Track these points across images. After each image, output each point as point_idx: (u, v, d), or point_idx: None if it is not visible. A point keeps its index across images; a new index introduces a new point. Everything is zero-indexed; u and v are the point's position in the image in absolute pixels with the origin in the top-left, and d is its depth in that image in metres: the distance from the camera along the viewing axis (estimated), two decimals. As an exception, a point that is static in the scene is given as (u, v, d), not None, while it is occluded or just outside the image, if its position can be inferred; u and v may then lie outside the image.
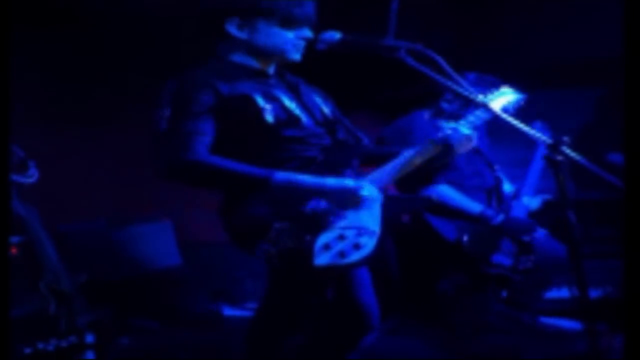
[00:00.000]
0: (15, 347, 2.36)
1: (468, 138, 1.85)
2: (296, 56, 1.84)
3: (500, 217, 2.68)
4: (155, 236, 3.46)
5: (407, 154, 1.83)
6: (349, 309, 1.79)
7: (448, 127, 1.81)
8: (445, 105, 2.83)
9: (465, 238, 2.65)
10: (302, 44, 1.83)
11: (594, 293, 3.13)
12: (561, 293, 3.18)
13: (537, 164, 2.87)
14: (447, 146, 1.83)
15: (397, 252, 3.16)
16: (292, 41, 1.82)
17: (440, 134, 1.84)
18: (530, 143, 2.91)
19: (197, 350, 2.96)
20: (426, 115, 2.88)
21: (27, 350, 2.38)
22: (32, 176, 2.49)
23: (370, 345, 2.80)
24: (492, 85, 2.63)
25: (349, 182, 1.69)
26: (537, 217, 2.87)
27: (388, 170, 1.81)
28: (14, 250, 2.54)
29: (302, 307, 1.89)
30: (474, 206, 2.72)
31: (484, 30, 3.83)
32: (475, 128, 1.88)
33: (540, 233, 2.79)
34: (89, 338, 2.53)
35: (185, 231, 3.58)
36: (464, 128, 1.84)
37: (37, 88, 3.41)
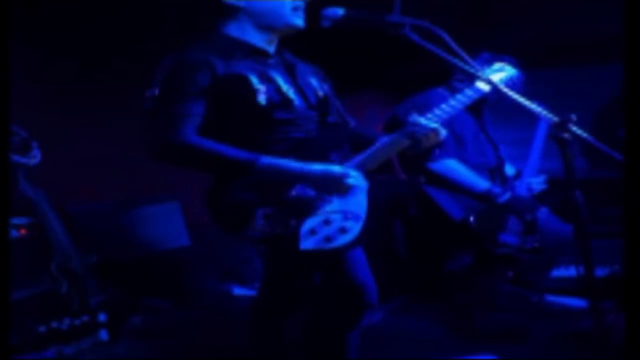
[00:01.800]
0: (30, 326, 2.40)
1: (434, 131, 1.80)
2: (298, 21, 1.79)
3: (507, 195, 2.67)
4: (163, 217, 3.47)
5: (382, 141, 1.80)
6: (346, 289, 1.80)
7: (416, 119, 1.78)
8: (457, 84, 2.80)
9: (472, 217, 2.64)
10: (301, 5, 1.79)
11: (601, 272, 3.13)
12: (568, 272, 3.18)
13: (539, 144, 2.86)
14: (413, 140, 1.80)
15: (404, 232, 3.17)
16: (290, 3, 1.78)
17: (407, 128, 1.79)
18: (532, 123, 2.89)
19: (208, 329, 3.00)
20: (441, 92, 2.84)
21: (42, 329, 2.42)
22: (35, 157, 2.47)
23: (377, 324, 2.83)
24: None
25: (335, 169, 1.68)
26: (543, 197, 2.86)
27: (368, 155, 1.78)
28: (23, 232, 2.57)
29: (296, 289, 1.90)
30: (482, 183, 2.69)
31: (496, 5, 3.76)
32: (448, 118, 1.85)
33: (542, 211, 2.78)
34: (102, 317, 2.57)
35: (193, 212, 3.59)
36: (431, 122, 1.80)
37: (47, 69, 3.40)
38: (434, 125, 1.80)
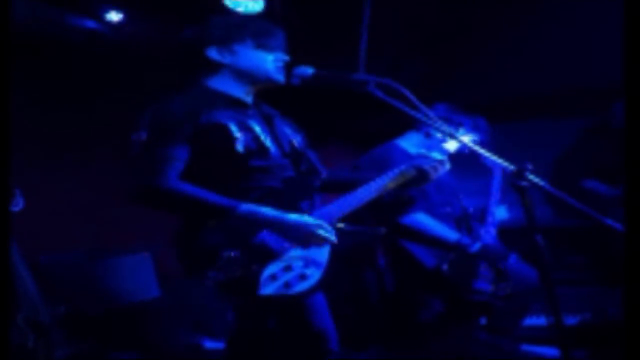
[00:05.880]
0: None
1: (441, 162, 1.94)
2: (279, 77, 1.89)
3: (477, 245, 2.71)
4: (134, 268, 3.44)
5: (375, 183, 1.89)
6: (304, 335, 1.82)
7: (419, 153, 1.89)
8: (433, 131, 2.87)
9: (444, 265, 2.67)
10: (281, 65, 1.89)
11: (571, 320, 3.15)
12: (539, 320, 3.20)
13: (496, 192, 2.96)
14: (421, 172, 1.91)
15: (376, 282, 3.17)
16: (271, 63, 1.88)
17: (413, 162, 1.92)
18: (486, 172, 3.00)
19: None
20: (397, 145, 2.92)
21: (6, 385, 2.33)
22: (17, 204, 2.49)
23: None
24: (455, 123, 2.76)
25: (309, 220, 1.73)
26: (509, 244, 2.90)
27: (351, 199, 1.86)
28: (-9, 282, 2.51)
29: (259, 335, 1.89)
30: (451, 234, 2.74)
31: (459, 60, 3.93)
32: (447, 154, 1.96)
33: (512, 257, 2.83)
34: (68, 371, 2.50)
35: (164, 263, 3.56)
36: (436, 153, 1.93)
37: (21, 120, 3.40)
38: (440, 157, 1.93)
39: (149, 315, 3.37)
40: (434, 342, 2.93)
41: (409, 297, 2.94)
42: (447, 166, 1.94)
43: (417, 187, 1.97)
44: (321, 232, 1.72)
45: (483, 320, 2.98)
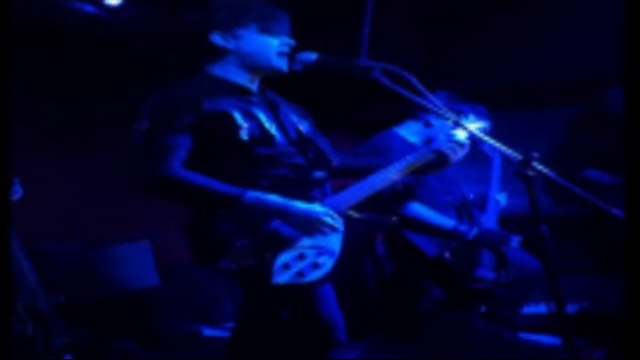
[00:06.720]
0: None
1: (461, 145, 1.91)
2: (282, 65, 1.86)
3: (474, 231, 2.71)
4: (134, 256, 3.45)
5: (393, 168, 1.87)
6: (312, 324, 1.81)
7: (441, 136, 1.87)
8: (432, 119, 2.85)
9: (447, 254, 2.66)
10: (286, 50, 1.86)
11: (571, 308, 3.16)
12: (539, 308, 3.21)
13: (496, 179, 2.96)
14: (440, 155, 1.89)
15: (375, 271, 3.17)
16: (276, 48, 1.84)
17: (432, 145, 1.90)
18: (485, 159, 3.01)
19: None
20: (396, 133, 2.90)
21: (5, 373, 2.33)
22: (16, 193, 2.48)
23: (352, 363, 2.80)
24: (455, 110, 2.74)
25: (316, 208, 1.72)
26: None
27: (366, 186, 1.84)
28: (-9, 271, 2.51)
29: (270, 325, 1.88)
30: (447, 222, 2.74)
31: (456, 51, 3.93)
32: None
33: (515, 240, 2.83)
34: (67, 359, 2.50)
35: (164, 251, 3.57)
36: (458, 136, 1.90)
37: (21, 107, 3.39)
38: (459, 139, 1.90)
39: (148, 304, 3.37)
40: (433, 330, 2.94)
41: (408, 285, 2.94)
42: (467, 150, 1.91)
43: (435, 171, 1.94)
44: (327, 219, 1.71)
45: (482, 308, 2.99)
